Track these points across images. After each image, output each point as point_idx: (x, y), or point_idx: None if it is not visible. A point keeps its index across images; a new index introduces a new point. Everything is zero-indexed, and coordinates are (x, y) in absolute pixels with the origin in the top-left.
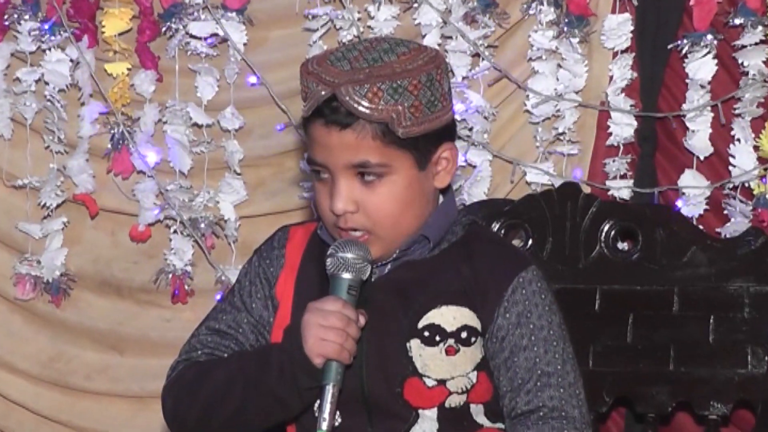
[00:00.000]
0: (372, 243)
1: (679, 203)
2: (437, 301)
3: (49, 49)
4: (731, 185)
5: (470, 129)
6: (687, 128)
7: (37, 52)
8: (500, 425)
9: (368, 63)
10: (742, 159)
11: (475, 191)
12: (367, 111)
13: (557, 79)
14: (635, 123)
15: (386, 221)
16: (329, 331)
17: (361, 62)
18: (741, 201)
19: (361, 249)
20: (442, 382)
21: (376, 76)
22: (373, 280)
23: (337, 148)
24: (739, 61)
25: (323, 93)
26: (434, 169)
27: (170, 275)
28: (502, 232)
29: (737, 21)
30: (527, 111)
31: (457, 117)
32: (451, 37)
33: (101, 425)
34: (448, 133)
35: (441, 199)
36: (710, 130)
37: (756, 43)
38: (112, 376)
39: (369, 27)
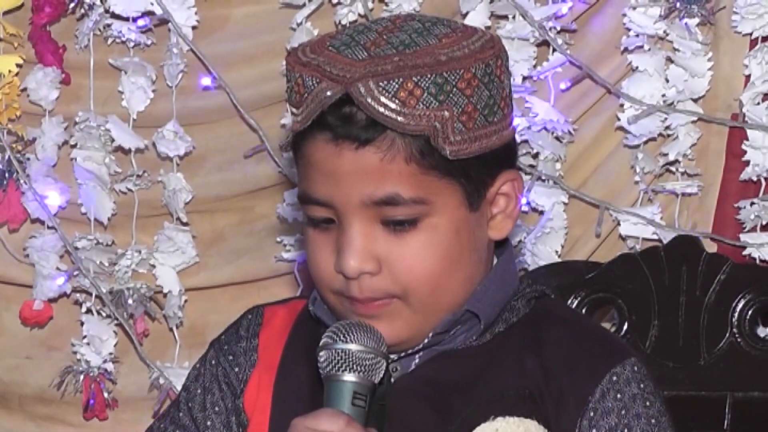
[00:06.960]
0: (396, 316)
1: None
2: (490, 410)
3: None
4: None
5: (535, 155)
6: None
7: None
8: None
9: (395, 48)
10: None
11: (542, 250)
12: (400, 118)
13: (666, 81)
14: None
15: (422, 286)
16: None
17: (384, 47)
18: None
19: (372, 337)
20: None
21: (411, 67)
22: (392, 378)
23: (352, 175)
24: None
25: (329, 93)
26: (489, 210)
27: (81, 377)
28: (585, 310)
29: None
30: (621, 128)
31: (516, 137)
32: (505, 17)
33: None
34: (508, 156)
35: (495, 259)
36: None
37: None
38: None
39: (382, 1)
